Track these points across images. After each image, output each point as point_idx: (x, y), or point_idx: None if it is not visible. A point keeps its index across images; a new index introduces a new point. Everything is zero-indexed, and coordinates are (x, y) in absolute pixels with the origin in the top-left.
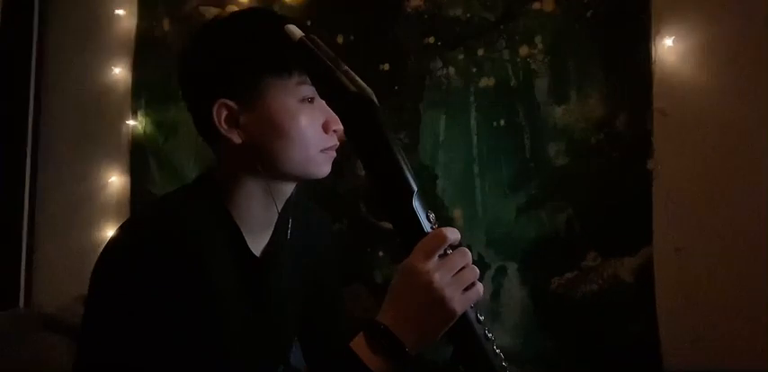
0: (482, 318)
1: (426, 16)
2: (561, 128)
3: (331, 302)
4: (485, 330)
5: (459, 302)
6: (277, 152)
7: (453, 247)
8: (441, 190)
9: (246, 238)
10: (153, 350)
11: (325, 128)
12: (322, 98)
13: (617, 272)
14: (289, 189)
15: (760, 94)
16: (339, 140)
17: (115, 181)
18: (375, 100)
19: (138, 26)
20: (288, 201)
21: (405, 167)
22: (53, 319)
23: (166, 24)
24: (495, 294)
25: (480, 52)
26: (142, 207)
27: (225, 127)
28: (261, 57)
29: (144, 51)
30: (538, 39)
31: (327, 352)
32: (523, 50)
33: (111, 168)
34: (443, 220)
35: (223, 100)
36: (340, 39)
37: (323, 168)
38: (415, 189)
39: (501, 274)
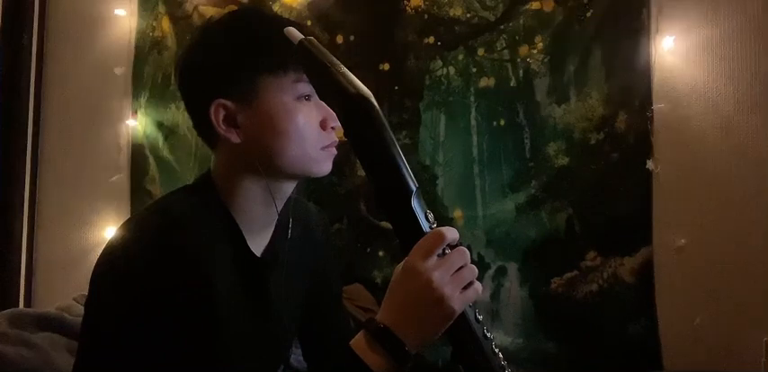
0: (481, 317)
1: (426, 16)
2: (561, 128)
3: (331, 302)
4: (483, 329)
5: (458, 301)
6: (276, 150)
7: (452, 246)
8: (441, 190)
9: (247, 238)
10: (153, 351)
11: (323, 125)
12: (321, 99)
13: (617, 272)
14: (289, 188)
15: (759, 94)
16: (338, 137)
17: (115, 181)
18: (374, 101)
19: (138, 26)
20: (288, 201)
21: (403, 167)
22: (53, 319)
23: (166, 24)
24: (495, 294)
25: (480, 52)
26: (142, 207)
27: (223, 127)
28: (256, 56)
29: (144, 51)
30: (538, 39)
31: (327, 352)
32: (523, 50)
33: (111, 168)
34: (443, 220)
35: (220, 100)
36: (340, 39)
37: (323, 166)
38: (414, 188)
39: (501, 274)
